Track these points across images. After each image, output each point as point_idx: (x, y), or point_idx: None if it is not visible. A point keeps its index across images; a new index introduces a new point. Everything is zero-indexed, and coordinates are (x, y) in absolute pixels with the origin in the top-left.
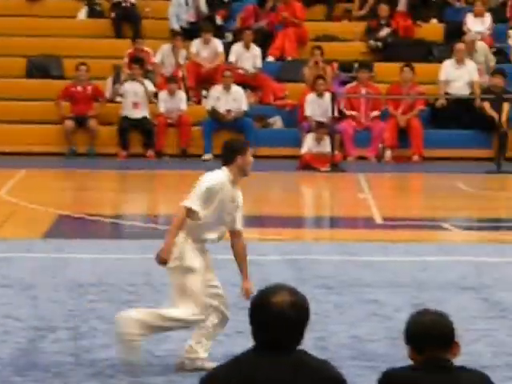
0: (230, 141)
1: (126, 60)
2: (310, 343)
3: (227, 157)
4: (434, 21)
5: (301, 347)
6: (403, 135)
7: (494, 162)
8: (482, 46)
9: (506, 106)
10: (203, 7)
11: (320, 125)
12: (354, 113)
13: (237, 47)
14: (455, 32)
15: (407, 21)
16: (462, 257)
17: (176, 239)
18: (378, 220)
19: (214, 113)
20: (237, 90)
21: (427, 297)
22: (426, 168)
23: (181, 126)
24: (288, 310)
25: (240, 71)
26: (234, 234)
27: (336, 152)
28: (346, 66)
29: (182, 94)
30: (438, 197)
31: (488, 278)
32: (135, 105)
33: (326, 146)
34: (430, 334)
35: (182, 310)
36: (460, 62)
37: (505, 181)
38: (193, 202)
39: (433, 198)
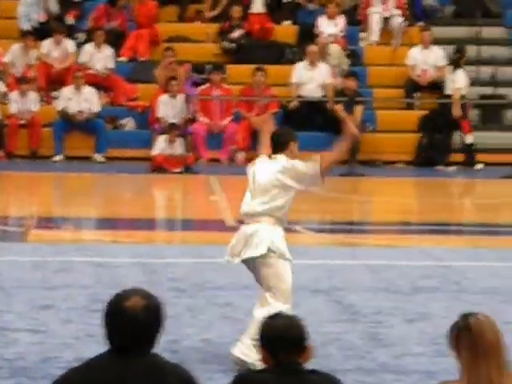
0: (281, 130)
1: None
2: (162, 346)
3: (281, 145)
4: (287, 23)
5: (154, 351)
6: (256, 137)
7: (346, 165)
8: (335, 49)
9: (358, 109)
10: (54, 7)
11: (172, 126)
12: (206, 120)
13: (88, 47)
14: (308, 34)
15: (261, 22)
16: (314, 260)
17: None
18: (231, 222)
19: (65, 114)
20: (88, 90)
21: None
22: None
23: (32, 127)
24: (141, 314)
25: (92, 72)
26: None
27: (188, 154)
28: (198, 68)
29: (33, 95)
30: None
31: (340, 280)
32: None
33: (179, 148)
34: (282, 338)
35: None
36: (313, 64)
37: (357, 183)
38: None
39: None
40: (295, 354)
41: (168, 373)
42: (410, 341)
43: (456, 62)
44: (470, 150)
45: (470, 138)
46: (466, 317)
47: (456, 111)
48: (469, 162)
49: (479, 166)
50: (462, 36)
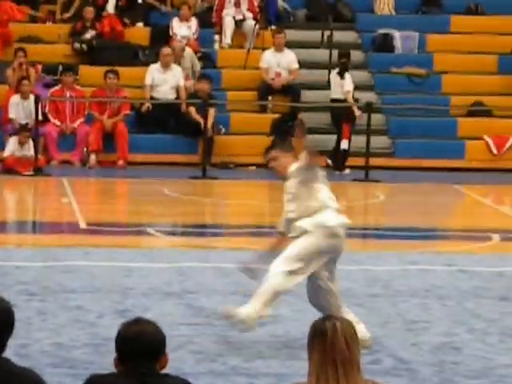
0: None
1: None
2: (11, 351)
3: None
4: (140, 24)
5: (3, 355)
6: (108, 139)
7: (199, 168)
8: (188, 51)
9: (211, 112)
10: None
11: (23, 128)
12: (57, 122)
13: None
14: (161, 36)
15: (114, 24)
16: (166, 263)
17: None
18: (82, 225)
19: None
20: None
21: (131, 303)
22: (131, 173)
23: None
24: None
25: None
26: None
27: (40, 156)
28: (50, 69)
29: None
30: (143, 202)
31: (192, 283)
32: None
33: (30, 150)
34: (136, 344)
35: None
36: (166, 66)
37: (210, 186)
38: None
39: (138, 204)
40: (148, 361)
41: (16, 377)
42: (261, 344)
43: (343, 66)
44: (343, 156)
45: (344, 144)
46: (323, 320)
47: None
48: (338, 167)
49: (347, 171)
50: (315, 40)
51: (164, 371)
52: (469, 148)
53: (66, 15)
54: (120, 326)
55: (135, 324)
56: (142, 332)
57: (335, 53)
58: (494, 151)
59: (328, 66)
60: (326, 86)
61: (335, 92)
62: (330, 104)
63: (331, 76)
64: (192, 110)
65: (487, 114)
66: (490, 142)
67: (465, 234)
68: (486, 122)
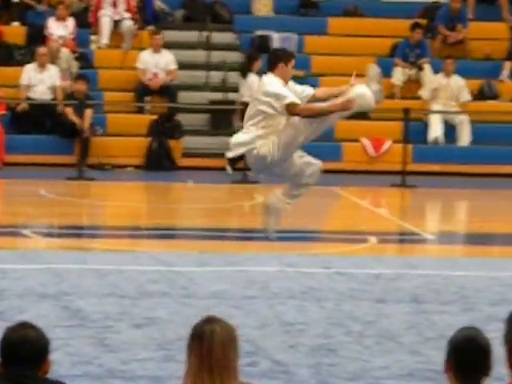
0: (276, 49)
1: None
2: None
3: (270, 63)
4: (16, 23)
5: None
6: None
7: (75, 169)
8: (64, 51)
9: (88, 112)
10: None
11: None
12: None
13: None
14: (37, 35)
15: None
16: (41, 264)
17: None
18: None
19: None
20: None
21: (6, 304)
22: (6, 173)
23: None
24: None
25: None
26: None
27: None
28: None
29: None
30: (18, 203)
31: (68, 285)
32: None
33: None
34: (19, 349)
35: None
36: (42, 66)
37: (87, 187)
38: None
39: (13, 205)
40: (31, 366)
41: None
42: (138, 346)
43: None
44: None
45: None
46: (203, 323)
47: None
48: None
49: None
50: (193, 40)
51: None
52: (346, 150)
53: None
54: (4, 330)
55: (19, 329)
56: (25, 337)
57: (213, 54)
58: (371, 153)
59: (206, 67)
60: (204, 87)
61: (242, 95)
62: (207, 106)
63: (249, 79)
64: (68, 110)
65: (364, 116)
66: (367, 144)
67: (342, 236)
68: (363, 124)
